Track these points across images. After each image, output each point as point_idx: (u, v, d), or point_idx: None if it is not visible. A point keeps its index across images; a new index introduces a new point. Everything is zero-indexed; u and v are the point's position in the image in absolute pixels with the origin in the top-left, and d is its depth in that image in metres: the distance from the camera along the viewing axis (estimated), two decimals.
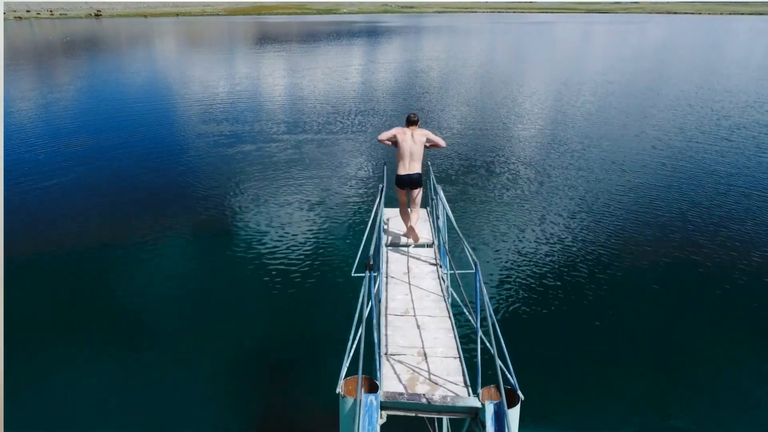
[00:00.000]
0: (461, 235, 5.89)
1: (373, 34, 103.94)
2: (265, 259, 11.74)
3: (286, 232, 12.97)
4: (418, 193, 7.46)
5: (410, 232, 7.51)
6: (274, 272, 11.19)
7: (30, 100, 31.02)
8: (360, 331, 4.39)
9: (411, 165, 7.29)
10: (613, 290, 10.52)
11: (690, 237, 12.70)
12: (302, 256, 11.81)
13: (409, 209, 7.76)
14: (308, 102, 29.97)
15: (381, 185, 7.52)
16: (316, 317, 9.91)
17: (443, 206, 6.86)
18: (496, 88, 34.86)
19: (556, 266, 11.28)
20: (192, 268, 12.04)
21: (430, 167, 8.49)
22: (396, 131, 7.39)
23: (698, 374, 8.40)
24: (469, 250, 5.49)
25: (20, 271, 11.63)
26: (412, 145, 7.25)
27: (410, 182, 7.33)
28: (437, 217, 7.22)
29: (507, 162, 18.38)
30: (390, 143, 7.47)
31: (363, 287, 4.73)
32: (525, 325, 9.34)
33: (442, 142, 7.48)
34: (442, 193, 7.03)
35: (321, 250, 12.08)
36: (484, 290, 4.57)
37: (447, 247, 6.86)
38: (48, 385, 8.56)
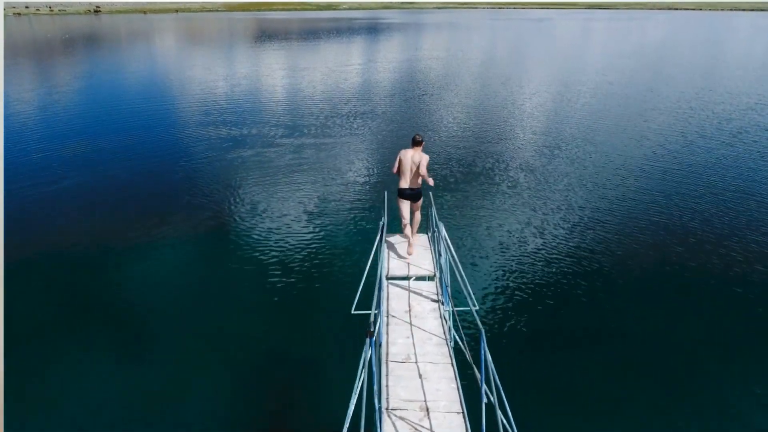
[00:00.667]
0: (464, 276, 5.80)
1: (373, 31, 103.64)
2: (260, 285, 11.26)
3: (284, 250, 12.61)
4: (417, 205, 8.52)
5: (408, 246, 8.48)
6: (269, 300, 10.72)
7: (28, 102, 30.90)
8: (361, 381, 4.30)
9: (412, 180, 8.22)
10: (626, 330, 9.75)
11: (697, 249, 12.58)
12: (299, 283, 11.19)
13: (410, 233, 8.58)
14: (308, 104, 29.87)
15: (381, 222, 7.73)
16: (313, 357, 9.26)
17: (445, 244, 6.82)
18: (495, 90, 34.74)
19: (561, 295, 10.67)
20: (188, 274, 12.02)
21: (432, 202, 8.58)
22: (400, 154, 8.31)
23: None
24: (475, 310, 5.38)
25: (20, 271, 11.70)
26: (413, 165, 8.14)
27: (410, 195, 8.32)
28: (439, 255, 7.17)
29: (507, 169, 18.28)
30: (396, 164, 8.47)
31: (363, 353, 4.60)
32: (527, 372, 8.61)
33: (428, 178, 8.06)
34: (444, 231, 6.98)
35: (319, 279, 11.37)
36: (489, 355, 4.49)
37: (450, 289, 6.78)
38: (48, 385, 8.61)
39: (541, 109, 28.25)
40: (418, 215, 8.64)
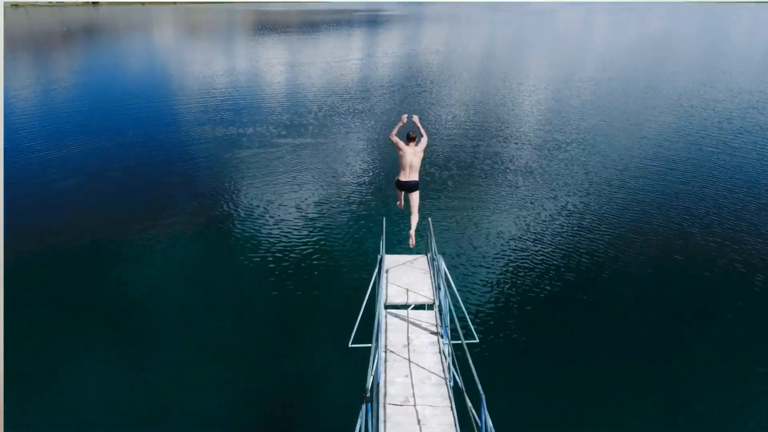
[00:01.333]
0: (464, 308, 5.74)
1: (372, 24, 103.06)
2: (257, 293, 11.13)
3: (281, 260, 12.43)
4: (414, 196, 9.26)
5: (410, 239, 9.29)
6: (266, 318, 10.57)
7: (27, 100, 30.68)
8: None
9: (410, 173, 9.12)
10: (634, 353, 9.47)
11: (698, 255, 12.51)
12: (298, 305, 10.91)
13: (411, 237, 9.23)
14: (306, 101, 29.65)
15: (380, 255, 7.73)
16: (308, 394, 8.92)
17: (444, 278, 6.77)
18: (495, 87, 34.53)
19: (564, 316, 10.47)
20: (186, 277, 12.04)
21: (432, 231, 8.58)
22: (402, 145, 9.13)
23: None
24: (467, 344, 5.29)
25: (20, 271, 11.73)
26: (412, 159, 9.03)
27: (408, 187, 9.21)
28: (438, 288, 7.11)
29: (506, 170, 18.15)
30: (396, 145, 9.21)
31: (360, 418, 4.41)
32: (526, 411, 8.29)
33: (424, 138, 9.18)
34: (444, 265, 6.92)
35: (317, 302, 11.05)
36: (489, 421, 4.41)
37: (449, 329, 6.69)
38: (48, 384, 8.67)
39: (541, 108, 28.09)
40: (416, 207, 9.25)
